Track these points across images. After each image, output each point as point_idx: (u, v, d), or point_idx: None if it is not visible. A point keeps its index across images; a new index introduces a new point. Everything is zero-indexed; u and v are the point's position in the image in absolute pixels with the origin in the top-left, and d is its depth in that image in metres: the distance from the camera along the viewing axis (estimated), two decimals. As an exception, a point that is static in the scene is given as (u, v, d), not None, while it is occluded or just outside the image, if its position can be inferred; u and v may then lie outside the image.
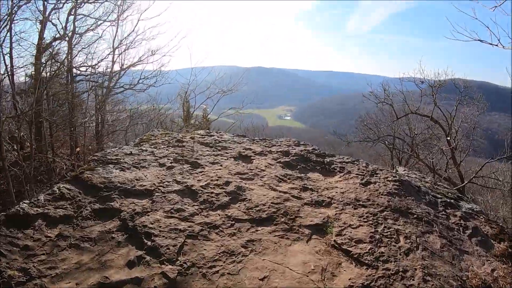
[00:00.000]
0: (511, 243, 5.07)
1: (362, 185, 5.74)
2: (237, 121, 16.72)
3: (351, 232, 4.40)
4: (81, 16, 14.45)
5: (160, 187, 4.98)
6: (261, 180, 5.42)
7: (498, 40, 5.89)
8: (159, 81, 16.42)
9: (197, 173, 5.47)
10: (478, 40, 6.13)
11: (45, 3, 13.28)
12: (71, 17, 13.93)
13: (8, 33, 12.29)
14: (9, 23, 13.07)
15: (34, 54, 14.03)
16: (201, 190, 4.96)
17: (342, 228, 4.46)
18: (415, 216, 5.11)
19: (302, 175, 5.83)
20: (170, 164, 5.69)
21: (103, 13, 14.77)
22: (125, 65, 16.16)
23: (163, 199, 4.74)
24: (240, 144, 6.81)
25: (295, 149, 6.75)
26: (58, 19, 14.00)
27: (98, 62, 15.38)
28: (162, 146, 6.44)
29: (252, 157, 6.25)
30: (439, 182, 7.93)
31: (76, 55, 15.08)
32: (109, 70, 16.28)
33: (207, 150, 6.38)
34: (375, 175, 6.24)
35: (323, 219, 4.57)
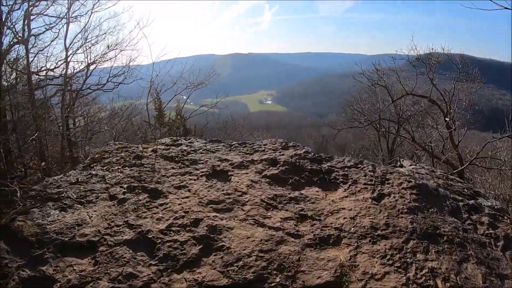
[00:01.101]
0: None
1: (374, 201, 4.46)
2: (218, 109, 15.32)
3: (377, 290, 3.11)
4: (35, 15, 12.97)
5: (106, 236, 3.62)
6: (242, 210, 4.03)
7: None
8: (128, 78, 15.15)
9: (157, 207, 4.08)
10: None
11: (0, 6, 11.87)
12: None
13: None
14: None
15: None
16: (161, 238, 3.58)
17: (364, 283, 3.14)
18: (445, 238, 3.97)
19: (297, 193, 4.48)
20: (122, 196, 4.28)
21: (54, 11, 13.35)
22: (83, 64, 14.75)
23: (109, 257, 3.39)
24: (214, 153, 5.40)
25: (283, 154, 5.38)
26: (13, 23, 12.57)
27: (57, 64, 13.93)
28: (116, 167, 5.00)
29: (229, 172, 4.85)
30: (450, 176, 6.80)
31: (33, 59, 13.71)
32: (74, 71, 15.02)
33: (172, 168, 4.96)
34: (386, 182, 4.96)
35: (335, 271, 3.23)
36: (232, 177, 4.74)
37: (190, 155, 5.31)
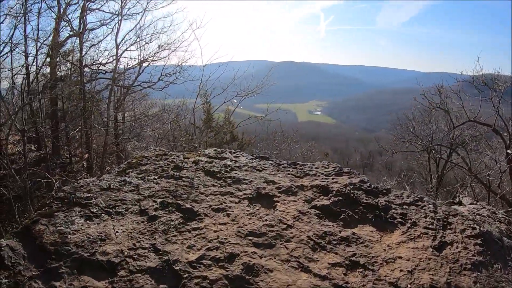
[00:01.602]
0: None
1: (435, 251, 3.83)
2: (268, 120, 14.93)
3: None
4: (91, 10, 13.33)
5: (129, 259, 3.24)
6: (286, 248, 3.52)
7: None
8: (180, 78, 15.16)
9: (190, 231, 3.65)
10: None
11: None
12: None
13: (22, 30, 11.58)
14: (23, 19, 12.21)
15: (48, 53, 13.10)
16: (188, 272, 3.14)
17: None
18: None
19: (349, 231, 3.93)
20: (154, 212, 3.92)
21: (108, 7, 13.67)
22: (135, 61, 14.93)
23: (128, 285, 2.99)
24: (260, 172, 4.96)
25: (336, 181, 4.85)
26: (68, 17, 12.97)
27: (108, 59, 14.23)
28: (152, 177, 4.67)
29: (275, 198, 4.38)
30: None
31: (86, 53, 14.14)
32: (126, 67, 15.28)
33: (213, 185, 4.56)
34: (448, 226, 4.32)
35: None
36: (278, 204, 4.26)
37: (233, 171, 4.90)
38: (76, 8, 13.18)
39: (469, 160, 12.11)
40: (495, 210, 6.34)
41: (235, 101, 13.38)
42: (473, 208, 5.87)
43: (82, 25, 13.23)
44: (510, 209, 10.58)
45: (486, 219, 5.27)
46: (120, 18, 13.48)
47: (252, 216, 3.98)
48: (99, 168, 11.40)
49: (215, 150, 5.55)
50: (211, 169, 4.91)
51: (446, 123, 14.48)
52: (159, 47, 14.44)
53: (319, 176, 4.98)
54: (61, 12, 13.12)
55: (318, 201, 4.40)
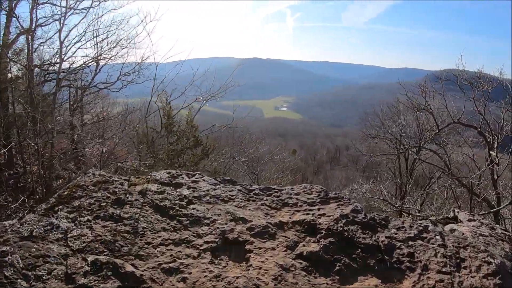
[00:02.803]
0: None
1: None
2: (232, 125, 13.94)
3: None
4: (41, 4, 11.96)
5: None
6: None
7: None
8: (139, 77, 14.02)
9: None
10: None
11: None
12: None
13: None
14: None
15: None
16: None
17: None
18: None
19: (348, 293, 2.92)
20: (82, 279, 2.75)
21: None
22: (90, 60, 13.70)
23: None
24: (226, 204, 3.86)
25: (323, 212, 3.83)
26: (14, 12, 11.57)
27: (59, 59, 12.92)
28: (86, 217, 3.45)
29: (248, 245, 3.27)
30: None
31: (35, 51, 12.81)
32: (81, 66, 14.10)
33: (164, 228, 3.38)
34: (462, 264, 3.47)
35: None
36: (252, 255, 3.16)
37: (191, 206, 3.76)
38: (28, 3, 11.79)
39: (449, 162, 11.43)
40: (493, 225, 5.61)
41: (201, 98, 12.35)
42: (472, 226, 5.05)
43: (31, 21, 11.85)
44: (491, 210, 10.14)
45: (489, 239, 4.46)
46: (64, 12, 12.09)
47: (218, 280, 2.86)
48: (46, 187, 10.02)
49: (168, 173, 4.38)
50: (162, 204, 3.76)
51: (423, 123, 13.78)
52: (112, 42, 13.22)
53: (301, 206, 3.94)
54: (12, 6, 11.76)
55: (304, 246, 3.34)
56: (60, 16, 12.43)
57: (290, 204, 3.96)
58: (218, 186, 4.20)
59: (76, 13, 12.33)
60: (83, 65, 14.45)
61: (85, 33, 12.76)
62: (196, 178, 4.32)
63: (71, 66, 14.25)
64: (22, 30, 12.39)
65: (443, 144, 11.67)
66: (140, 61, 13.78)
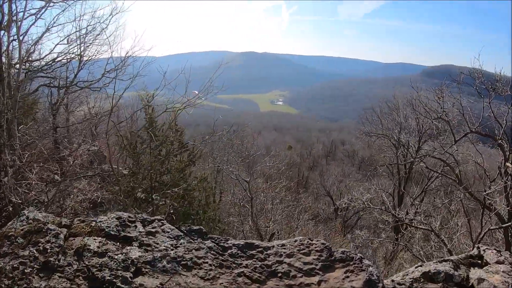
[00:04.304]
0: None
1: None
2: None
3: None
4: None
5: None
6: None
7: None
8: (122, 74, 12.81)
9: None
10: None
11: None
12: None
13: None
14: None
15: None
16: None
17: None
18: None
19: None
20: None
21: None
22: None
23: None
24: (189, 274, 2.75)
25: None
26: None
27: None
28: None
29: None
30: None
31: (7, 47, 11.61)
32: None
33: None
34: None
35: None
36: None
37: (139, 279, 2.65)
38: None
39: (459, 173, 10.28)
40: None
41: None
42: (503, 272, 4.00)
43: (4, 15, 10.70)
44: (504, 225, 9.22)
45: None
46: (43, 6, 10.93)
47: None
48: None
49: (118, 219, 3.25)
50: (99, 274, 2.64)
51: (441, 132, 12.42)
52: (94, 38, 12.15)
53: (294, 276, 2.82)
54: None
55: None
56: (36, 10, 11.28)
57: (279, 274, 2.84)
58: (181, 241, 3.09)
59: (51, 6, 11.09)
60: (65, 62, 13.33)
61: (63, 27, 11.62)
62: (154, 228, 3.21)
63: (52, 64, 13.12)
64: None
65: (453, 151, 10.45)
66: (126, 56, 12.63)
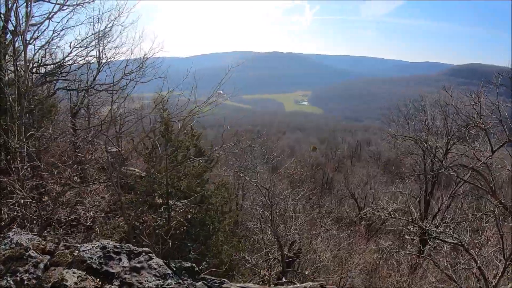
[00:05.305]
0: None
1: None
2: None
3: None
4: (35, 2, 10.91)
5: None
6: None
7: None
8: (143, 75, 12.82)
9: None
10: None
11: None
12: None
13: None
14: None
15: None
16: None
17: None
18: None
19: None
20: None
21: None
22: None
23: None
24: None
25: None
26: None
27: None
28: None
29: None
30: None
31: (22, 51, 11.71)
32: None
33: None
34: None
35: None
36: None
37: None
38: (20, 5, 10.66)
39: (493, 181, 9.50)
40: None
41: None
42: None
43: (16, 20, 10.81)
44: None
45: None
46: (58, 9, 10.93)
47: None
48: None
49: (102, 249, 2.91)
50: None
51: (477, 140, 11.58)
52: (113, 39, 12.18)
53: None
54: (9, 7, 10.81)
55: None
56: (51, 13, 11.31)
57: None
58: (168, 281, 2.74)
59: (63, 9, 11.07)
60: (84, 65, 13.41)
61: (79, 29, 11.70)
62: (140, 262, 2.85)
63: (71, 67, 13.20)
64: (13, 30, 11.30)
65: (488, 163, 9.57)
66: (144, 58, 12.58)
